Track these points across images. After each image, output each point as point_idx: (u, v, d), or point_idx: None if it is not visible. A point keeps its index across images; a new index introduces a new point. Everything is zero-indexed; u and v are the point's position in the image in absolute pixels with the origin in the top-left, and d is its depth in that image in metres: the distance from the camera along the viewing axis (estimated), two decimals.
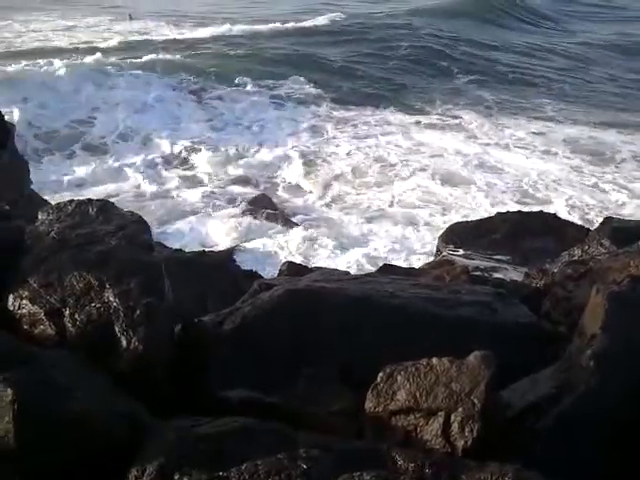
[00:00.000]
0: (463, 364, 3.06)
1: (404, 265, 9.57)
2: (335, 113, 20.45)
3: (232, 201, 14.07)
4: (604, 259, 5.54)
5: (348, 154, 17.15)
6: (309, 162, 16.70)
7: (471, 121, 19.94)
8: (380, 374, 3.23)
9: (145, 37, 28.49)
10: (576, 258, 6.14)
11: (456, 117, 20.40)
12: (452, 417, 2.96)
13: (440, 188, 15.12)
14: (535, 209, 13.08)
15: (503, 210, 13.22)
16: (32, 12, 33.45)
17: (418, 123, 19.89)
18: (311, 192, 14.87)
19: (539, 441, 3.16)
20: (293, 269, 6.98)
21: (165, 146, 17.08)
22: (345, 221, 13.39)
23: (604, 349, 3.39)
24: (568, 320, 4.79)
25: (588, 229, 7.75)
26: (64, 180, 14.98)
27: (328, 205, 14.23)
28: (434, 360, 3.13)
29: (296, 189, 15.12)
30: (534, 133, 19.03)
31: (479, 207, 13.96)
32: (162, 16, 34.43)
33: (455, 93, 22.84)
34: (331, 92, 22.03)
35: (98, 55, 23.19)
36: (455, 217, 13.26)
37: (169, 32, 30.02)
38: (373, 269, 10.85)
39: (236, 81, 22.26)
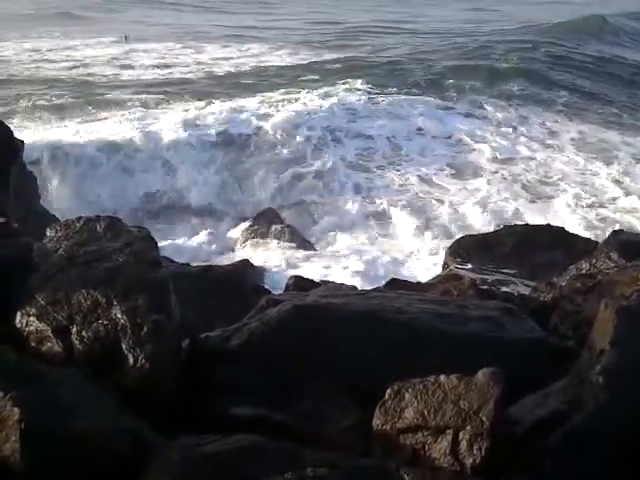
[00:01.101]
0: (471, 381, 3.05)
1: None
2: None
3: (237, 217, 14.06)
4: (612, 273, 5.52)
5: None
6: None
7: (495, 114, 20.00)
8: (388, 391, 3.21)
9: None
10: (584, 271, 6.11)
11: (483, 109, 20.44)
12: (460, 435, 2.94)
13: (449, 179, 15.06)
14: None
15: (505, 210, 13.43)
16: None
17: (446, 110, 20.13)
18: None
19: (549, 458, 3.13)
20: (300, 284, 6.98)
21: None
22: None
23: (613, 364, 3.36)
24: (576, 334, 4.76)
25: (596, 242, 7.72)
26: None
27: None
28: (442, 377, 3.11)
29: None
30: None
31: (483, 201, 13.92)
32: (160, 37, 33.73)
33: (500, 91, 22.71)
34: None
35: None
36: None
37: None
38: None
39: None
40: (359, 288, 6.32)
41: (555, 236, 8.48)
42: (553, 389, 3.55)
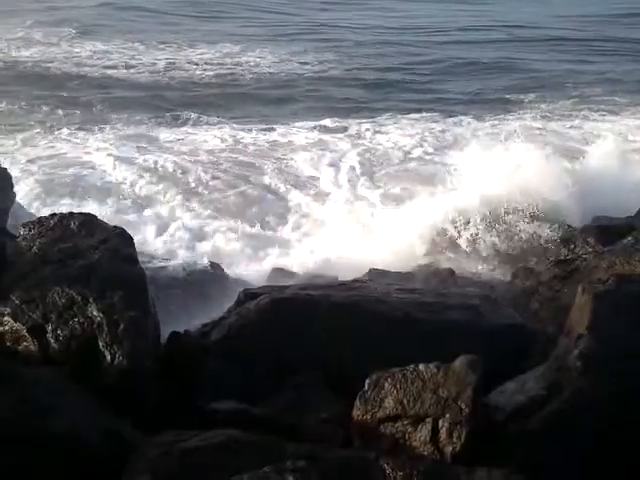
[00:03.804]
0: (449, 369, 3.05)
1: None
2: None
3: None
4: (590, 258, 5.56)
5: None
6: None
7: None
8: (367, 381, 3.21)
9: None
10: (562, 257, 6.15)
11: None
12: (440, 423, 2.95)
13: None
14: None
15: None
16: None
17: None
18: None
19: (528, 444, 3.15)
20: (280, 275, 6.96)
21: None
22: None
23: (591, 349, 3.39)
24: (555, 320, 4.79)
25: (574, 228, 7.75)
26: None
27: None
28: (421, 366, 3.11)
29: None
30: None
31: None
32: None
33: None
34: None
35: None
36: None
37: None
38: None
39: None
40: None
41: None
42: (532, 375, 3.57)
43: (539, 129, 15.96)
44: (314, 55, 24.46)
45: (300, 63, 23.88)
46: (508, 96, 19.65)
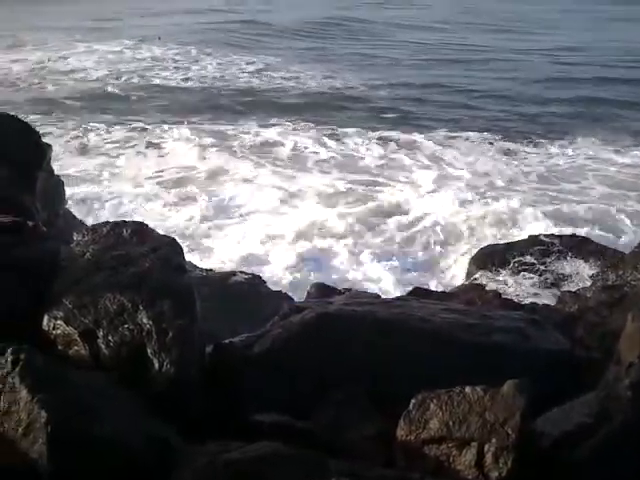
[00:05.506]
0: (497, 393, 3.02)
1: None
2: None
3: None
4: (639, 285, 5.45)
5: None
6: None
7: None
8: (412, 401, 3.20)
9: None
10: (610, 283, 6.04)
11: None
12: (486, 447, 2.91)
13: None
14: None
15: None
16: None
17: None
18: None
19: (574, 472, 3.09)
20: (322, 291, 6.97)
21: None
22: None
23: None
24: (602, 346, 4.71)
25: (623, 253, 7.61)
26: None
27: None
28: (467, 389, 3.09)
29: None
30: None
31: None
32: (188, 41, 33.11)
33: None
34: None
35: None
36: None
37: None
38: None
39: None
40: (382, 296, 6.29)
41: (580, 246, 8.39)
42: (579, 402, 3.51)
43: None
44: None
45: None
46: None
